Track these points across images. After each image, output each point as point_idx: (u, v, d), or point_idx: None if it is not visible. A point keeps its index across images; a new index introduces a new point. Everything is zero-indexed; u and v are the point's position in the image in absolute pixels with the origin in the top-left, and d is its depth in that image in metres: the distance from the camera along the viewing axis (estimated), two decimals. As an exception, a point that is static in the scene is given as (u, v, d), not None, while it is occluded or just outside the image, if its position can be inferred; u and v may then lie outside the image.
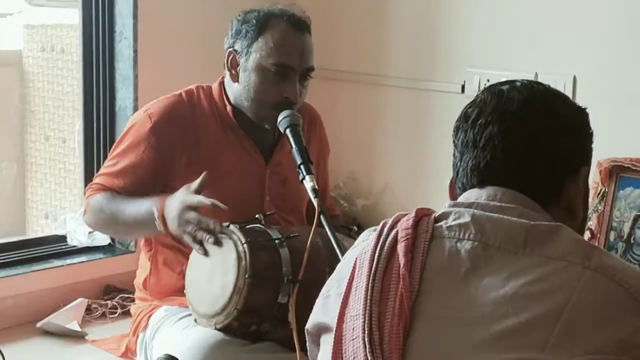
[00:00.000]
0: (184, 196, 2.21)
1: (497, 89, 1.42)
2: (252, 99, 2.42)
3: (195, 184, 2.22)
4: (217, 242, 2.16)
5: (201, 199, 2.18)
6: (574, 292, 1.21)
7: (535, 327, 1.19)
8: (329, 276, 1.44)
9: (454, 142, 1.44)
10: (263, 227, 2.23)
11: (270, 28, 2.40)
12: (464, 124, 1.42)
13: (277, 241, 2.17)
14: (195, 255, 2.24)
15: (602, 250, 1.28)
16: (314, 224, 2.07)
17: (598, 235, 2.81)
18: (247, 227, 2.21)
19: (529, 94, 1.40)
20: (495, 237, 1.28)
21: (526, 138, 1.37)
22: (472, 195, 1.38)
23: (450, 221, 1.32)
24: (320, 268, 2.11)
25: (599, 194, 2.81)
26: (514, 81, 1.43)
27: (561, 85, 2.97)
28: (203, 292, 2.19)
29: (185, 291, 2.27)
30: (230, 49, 2.45)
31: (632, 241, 2.77)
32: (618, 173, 2.82)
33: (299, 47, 2.41)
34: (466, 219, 1.31)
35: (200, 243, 2.19)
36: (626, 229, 2.78)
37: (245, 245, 2.11)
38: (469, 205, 1.34)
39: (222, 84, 2.51)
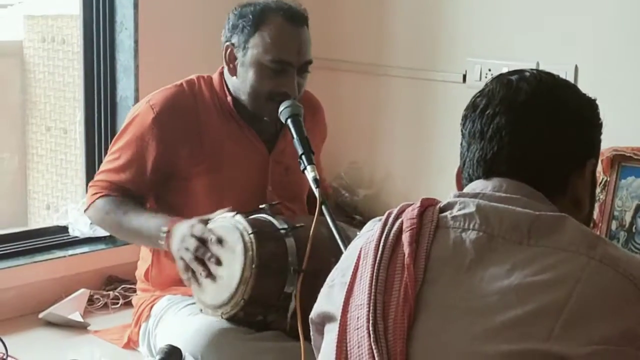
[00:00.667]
0: (194, 223, 2.22)
1: (506, 79, 1.41)
2: (250, 94, 2.42)
3: (215, 215, 2.22)
4: (210, 276, 2.17)
5: (207, 232, 2.17)
6: (579, 283, 1.21)
7: (539, 317, 1.19)
8: (335, 265, 1.44)
9: (461, 131, 1.43)
10: (268, 217, 2.24)
11: (266, 23, 2.39)
12: (472, 114, 1.41)
13: (283, 231, 2.18)
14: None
15: (607, 241, 1.28)
16: (316, 214, 2.08)
17: (600, 224, 2.81)
18: (253, 217, 2.22)
19: (538, 84, 1.39)
20: (500, 227, 1.28)
21: (533, 129, 1.36)
22: (478, 186, 1.38)
23: (455, 211, 1.32)
24: (326, 258, 2.11)
25: (600, 183, 2.81)
26: (523, 71, 1.42)
27: (563, 74, 2.94)
28: (209, 283, 2.19)
29: (190, 282, 2.28)
30: (228, 43, 2.44)
31: (633, 230, 2.77)
32: (620, 162, 2.82)
33: (297, 42, 2.40)
34: (471, 209, 1.31)
35: (192, 272, 2.20)
36: (628, 218, 2.79)
37: (252, 236, 2.11)
38: (474, 195, 1.34)
39: (222, 74, 2.51)
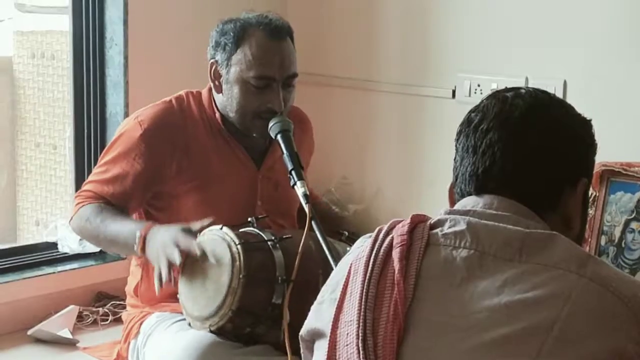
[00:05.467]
0: (178, 234, 2.19)
1: (502, 95, 1.42)
2: (236, 111, 2.42)
3: (197, 225, 2.21)
4: (160, 283, 2.18)
5: (193, 245, 2.15)
6: (569, 301, 1.21)
7: (529, 334, 1.19)
8: (322, 278, 1.44)
9: (455, 146, 1.43)
10: (255, 229, 2.24)
11: (247, 39, 2.38)
12: (467, 129, 1.42)
13: (270, 242, 2.19)
14: (188, 258, 2.23)
15: (598, 259, 1.28)
16: (306, 229, 2.08)
17: (589, 239, 2.80)
18: (240, 229, 2.22)
19: (533, 102, 1.40)
20: (491, 245, 1.28)
21: (525, 146, 1.37)
22: (469, 202, 1.38)
23: (445, 229, 1.32)
24: (313, 270, 2.13)
25: (589, 198, 2.80)
26: (519, 88, 1.43)
27: (552, 89, 2.96)
28: (196, 295, 2.19)
29: (178, 295, 2.27)
30: (212, 60, 2.44)
31: (622, 245, 2.77)
32: (609, 177, 2.82)
33: (278, 56, 2.39)
34: (462, 226, 1.31)
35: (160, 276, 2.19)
36: (617, 233, 2.78)
37: (239, 247, 2.12)
38: (465, 213, 1.34)
39: (211, 90, 2.51)
